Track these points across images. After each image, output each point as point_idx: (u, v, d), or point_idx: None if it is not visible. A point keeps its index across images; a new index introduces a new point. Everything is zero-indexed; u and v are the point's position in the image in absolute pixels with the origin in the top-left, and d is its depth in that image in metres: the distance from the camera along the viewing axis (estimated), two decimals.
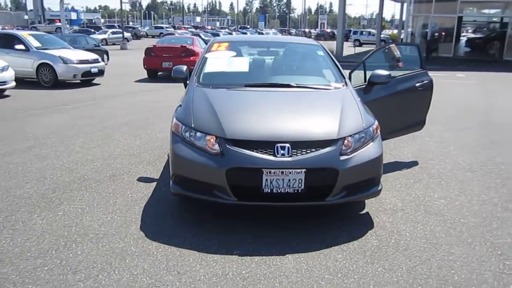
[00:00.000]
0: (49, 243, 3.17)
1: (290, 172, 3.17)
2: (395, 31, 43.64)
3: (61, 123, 7.12)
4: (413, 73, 5.14)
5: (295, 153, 3.22)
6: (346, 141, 3.35)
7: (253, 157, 3.20)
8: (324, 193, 3.29)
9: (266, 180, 3.17)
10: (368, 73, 4.79)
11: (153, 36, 48.79)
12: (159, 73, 13.92)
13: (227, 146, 3.26)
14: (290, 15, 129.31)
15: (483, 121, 7.93)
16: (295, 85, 4.12)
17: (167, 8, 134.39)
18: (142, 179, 4.54)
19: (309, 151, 3.24)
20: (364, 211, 3.81)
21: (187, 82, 4.64)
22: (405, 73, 5.09)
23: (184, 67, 4.70)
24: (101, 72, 12.09)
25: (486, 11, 26.96)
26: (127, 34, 34.01)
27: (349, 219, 3.68)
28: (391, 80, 4.67)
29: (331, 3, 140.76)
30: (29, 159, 5.16)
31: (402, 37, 38.52)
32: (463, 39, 28.75)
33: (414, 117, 5.23)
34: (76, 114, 7.95)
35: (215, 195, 3.31)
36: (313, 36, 50.49)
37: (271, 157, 3.20)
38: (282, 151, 3.21)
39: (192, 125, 3.47)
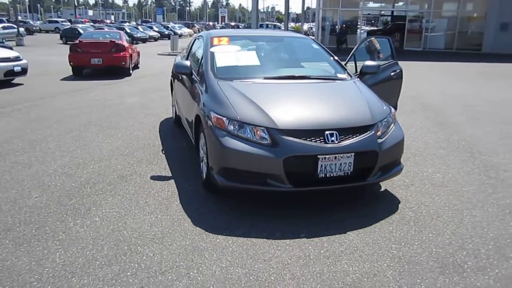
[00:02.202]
0: (112, 249, 3.02)
1: (341, 157, 3.42)
2: (298, 24, 45.83)
3: (15, 127, 6.45)
4: (388, 63, 5.70)
5: (342, 139, 3.48)
6: (378, 126, 3.70)
7: (308, 145, 3.38)
8: (366, 174, 3.60)
9: (321, 165, 3.38)
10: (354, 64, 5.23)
11: (47, 31, 44.76)
12: (84, 71, 13.04)
13: (281, 136, 3.39)
14: (188, 8, 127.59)
15: (419, 104, 8.94)
16: (310, 76, 4.35)
17: (53, 0, 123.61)
18: (156, 178, 4.41)
19: (354, 137, 3.52)
20: (383, 189, 4.21)
21: (192, 76, 4.62)
22: (383, 63, 5.62)
23: (188, 62, 4.65)
24: (24, 71, 10.96)
25: (386, 5, 29.74)
26: (21, 29, 30.72)
27: (377, 197, 4.05)
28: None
29: None
30: (11, 167, 4.67)
31: (305, 29, 40.83)
32: (363, 32, 31.35)
33: (390, 103, 5.79)
34: (23, 117, 7.21)
35: (269, 184, 3.43)
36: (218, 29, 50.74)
37: (324, 144, 3.41)
38: (332, 138, 3.44)
39: (239, 118, 3.53)
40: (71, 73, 12.79)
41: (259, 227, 3.38)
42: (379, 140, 3.63)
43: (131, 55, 13.29)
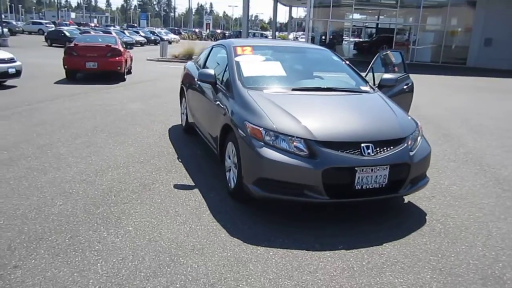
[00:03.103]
0: (154, 261, 2.96)
1: (378, 169, 3.46)
2: (284, 34, 46.32)
3: (20, 131, 6.28)
4: (402, 76, 5.81)
5: (378, 151, 3.52)
6: (409, 139, 3.76)
7: (346, 157, 3.41)
8: (398, 186, 3.65)
9: (358, 177, 3.42)
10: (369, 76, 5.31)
11: (30, 33, 43.88)
12: (78, 74, 12.82)
13: (320, 148, 3.41)
14: (172, 14, 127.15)
15: (418, 117, 9.08)
16: (336, 88, 4.41)
17: (34, 1, 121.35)
18: (179, 187, 4.36)
19: (389, 149, 3.57)
20: (406, 201, 4.27)
21: (216, 85, 4.61)
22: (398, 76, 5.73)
23: (212, 71, 4.63)
24: (18, 73, 10.68)
25: (370, 17, 30.38)
26: (4, 30, 30.00)
27: (403, 209, 4.10)
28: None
29: (211, 3, 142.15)
30: (26, 173, 4.55)
31: (291, 38, 41.27)
32: (347, 43, 31.89)
33: None
34: (25, 121, 7.03)
35: (305, 195, 3.44)
36: (204, 36, 50.63)
37: (360, 157, 3.44)
38: (368, 150, 3.48)
39: (276, 129, 3.53)
40: (63, 76, 12.54)
41: (295, 238, 3.38)
42: (411, 153, 3.69)
43: (126, 60, 13.15)
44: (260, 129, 3.57)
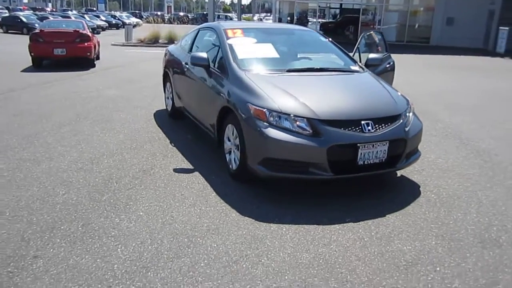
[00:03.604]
0: (173, 243, 3.01)
1: (378, 145, 3.62)
2: (249, 15, 45.96)
3: (0, 123, 6.05)
4: (384, 56, 5.99)
5: (377, 128, 3.67)
6: (404, 116, 3.94)
7: (349, 134, 3.55)
8: (396, 161, 3.84)
9: (361, 153, 3.57)
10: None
11: None
12: (44, 62, 12.32)
13: (323, 126, 3.53)
14: None
15: None
16: (329, 68, 4.52)
17: None
18: (179, 171, 4.38)
19: (387, 126, 3.73)
20: (399, 175, 4.48)
21: (210, 68, 4.62)
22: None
23: (205, 54, 4.63)
24: None
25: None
26: None
27: (397, 183, 4.31)
28: None
29: None
30: (18, 164, 4.43)
31: (255, 20, 41.01)
32: (312, 24, 32.06)
33: None
34: (1, 111, 6.77)
35: (311, 173, 3.56)
36: (167, 20, 49.38)
37: (362, 133, 3.59)
38: (368, 127, 3.63)
39: (279, 109, 3.61)
40: (28, 64, 12.02)
41: (303, 214, 3.51)
42: (406, 129, 3.87)
43: (95, 46, 12.76)
44: (264, 110, 3.64)
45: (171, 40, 23.20)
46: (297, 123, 3.57)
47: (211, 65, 4.65)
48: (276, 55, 4.66)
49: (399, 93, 4.31)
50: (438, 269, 2.82)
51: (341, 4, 33.87)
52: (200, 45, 5.47)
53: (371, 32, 6.07)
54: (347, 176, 3.73)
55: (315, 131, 3.53)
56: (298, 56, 4.88)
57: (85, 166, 4.45)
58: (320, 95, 3.91)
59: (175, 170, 4.39)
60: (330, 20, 30.75)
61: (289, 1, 26.61)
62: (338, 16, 31.88)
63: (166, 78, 6.61)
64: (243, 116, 3.77)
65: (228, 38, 4.71)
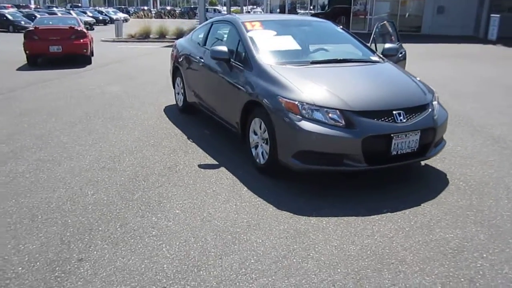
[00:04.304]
0: (217, 240, 2.98)
1: (411, 135, 3.62)
2: (237, 8, 45.62)
3: (7, 123, 5.92)
4: (398, 45, 5.99)
5: (408, 117, 3.67)
6: (431, 105, 3.94)
7: (383, 125, 3.54)
8: (426, 150, 3.84)
9: (394, 143, 3.56)
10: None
11: None
12: (39, 59, 12.07)
13: (357, 117, 3.51)
14: None
15: None
16: (351, 59, 4.49)
17: None
18: (204, 167, 4.33)
19: (417, 115, 3.73)
20: (423, 164, 4.50)
21: (230, 62, 4.56)
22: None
23: (225, 48, 4.56)
24: None
25: None
26: None
27: (423, 171, 4.32)
28: None
29: None
30: (39, 165, 4.34)
31: (251, 12, 40.73)
32: (301, 15, 31.95)
33: None
34: (6, 111, 6.61)
35: (345, 164, 3.55)
36: (153, 15, 48.60)
37: (394, 123, 3.58)
38: (400, 117, 3.62)
39: (313, 102, 3.58)
40: (22, 62, 11.81)
41: (339, 206, 3.50)
42: (435, 118, 3.88)
43: (90, 42, 12.54)
44: (296, 102, 3.61)
45: (162, 35, 22.95)
46: (330, 115, 3.55)
47: (232, 58, 4.59)
48: (298, 47, 4.62)
49: (424, 83, 4.31)
50: (484, 255, 2.84)
51: None
52: (215, 39, 5.39)
53: (385, 22, 6.06)
54: (381, 166, 3.72)
55: (348, 123, 3.51)
56: (319, 48, 4.84)
57: (107, 165, 4.38)
58: (349, 86, 3.89)
59: (200, 166, 4.34)
60: (319, 11, 30.63)
61: None
62: (327, 7, 31.83)
63: (176, 73, 6.52)
64: (274, 110, 3.73)
65: (247, 31, 4.64)
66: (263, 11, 58.49)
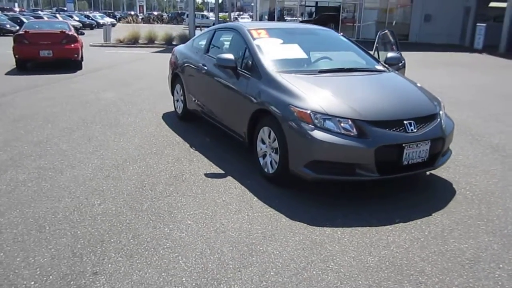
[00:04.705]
0: (234, 251, 2.94)
1: (421, 144, 3.64)
2: (224, 14, 45.73)
3: (2, 128, 5.77)
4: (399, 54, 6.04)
5: (418, 127, 3.69)
6: (439, 115, 3.98)
7: (395, 135, 3.55)
8: (434, 160, 3.87)
9: (406, 153, 3.57)
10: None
11: None
12: (28, 64, 11.85)
13: (370, 127, 3.51)
14: None
15: None
16: (357, 69, 4.51)
17: None
18: (211, 176, 4.28)
19: (427, 125, 3.76)
20: (428, 173, 4.52)
21: (237, 70, 4.54)
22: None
23: (231, 55, 4.53)
24: None
25: None
26: None
27: (429, 181, 4.34)
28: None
29: None
30: (40, 173, 4.23)
31: (238, 18, 40.80)
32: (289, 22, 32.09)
33: None
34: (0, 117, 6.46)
35: (357, 174, 3.54)
36: (140, 20, 48.26)
37: (405, 133, 3.60)
38: (411, 127, 3.64)
39: (326, 112, 3.57)
40: (11, 66, 11.58)
41: (351, 217, 3.48)
42: (443, 127, 3.91)
43: (81, 47, 12.38)
44: (308, 112, 3.59)
45: (151, 40, 22.80)
46: (342, 124, 3.54)
47: (238, 66, 4.56)
48: (304, 55, 4.62)
49: (430, 93, 4.35)
50: (501, 266, 2.85)
51: (316, 2, 34.10)
52: (219, 46, 5.37)
53: (386, 31, 6.13)
54: (392, 176, 3.73)
55: (361, 132, 3.51)
56: (324, 56, 4.84)
57: (111, 173, 4.29)
58: (359, 95, 3.90)
59: (207, 175, 4.29)
60: (307, 18, 30.85)
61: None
62: (314, 14, 32.06)
63: (175, 80, 6.45)
64: (285, 119, 3.71)
65: (254, 39, 4.63)
66: (251, 17, 58.87)
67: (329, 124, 3.54)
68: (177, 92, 6.41)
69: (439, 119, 3.89)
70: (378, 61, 4.92)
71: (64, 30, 11.79)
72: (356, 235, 3.20)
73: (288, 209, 3.59)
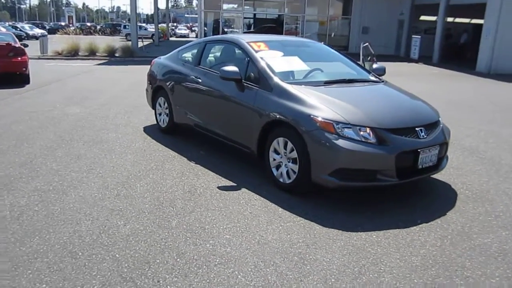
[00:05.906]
0: (286, 262, 2.95)
1: (432, 149, 3.90)
2: (163, 25, 45.13)
3: None
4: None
5: (428, 133, 3.96)
6: (440, 121, 4.30)
7: (411, 141, 3.78)
8: (439, 163, 4.16)
9: (421, 158, 3.81)
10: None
11: None
12: None
13: (390, 134, 3.71)
14: (22, 6, 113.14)
15: None
16: (357, 79, 4.74)
17: None
18: (225, 188, 4.24)
19: (433, 131, 4.04)
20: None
21: (242, 82, 4.56)
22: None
23: (235, 68, 4.54)
24: None
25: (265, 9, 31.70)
26: None
27: (429, 183, 4.64)
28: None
29: None
30: (43, 197, 3.94)
31: (175, 30, 40.29)
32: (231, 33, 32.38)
33: None
34: None
35: (378, 180, 3.72)
36: (80, 31, 46.05)
37: (419, 139, 3.84)
38: (422, 134, 3.89)
39: (348, 121, 3.71)
40: None
41: (377, 221, 3.63)
42: (445, 133, 4.23)
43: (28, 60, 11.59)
44: (330, 121, 3.71)
45: (92, 52, 21.85)
46: (361, 133, 3.71)
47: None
48: (307, 67, 4.75)
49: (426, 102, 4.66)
50: None
51: (254, 14, 34.80)
52: (213, 59, 5.34)
53: (367, 43, 6.47)
54: (409, 180, 3.94)
55: (380, 140, 3.69)
56: (324, 68, 5.00)
57: (120, 192, 4.10)
58: (371, 105, 4.09)
59: (220, 188, 4.24)
60: (246, 30, 31.35)
61: (214, 11, 26.69)
62: (252, 26, 32.68)
63: (157, 93, 6.29)
64: (307, 129, 3.79)
65: (256, 51, 4.68)
66: (189, 29, 58.49)
67: (349, 132, 3.69)
68: (160, 105, 6.26)
69: (441, 125, 4.20)
70: (369, 72, 5.18)
71: (10, 43, 11.00)
72: (390, 237, 3.35)
73: (317, 217, 3.66)
